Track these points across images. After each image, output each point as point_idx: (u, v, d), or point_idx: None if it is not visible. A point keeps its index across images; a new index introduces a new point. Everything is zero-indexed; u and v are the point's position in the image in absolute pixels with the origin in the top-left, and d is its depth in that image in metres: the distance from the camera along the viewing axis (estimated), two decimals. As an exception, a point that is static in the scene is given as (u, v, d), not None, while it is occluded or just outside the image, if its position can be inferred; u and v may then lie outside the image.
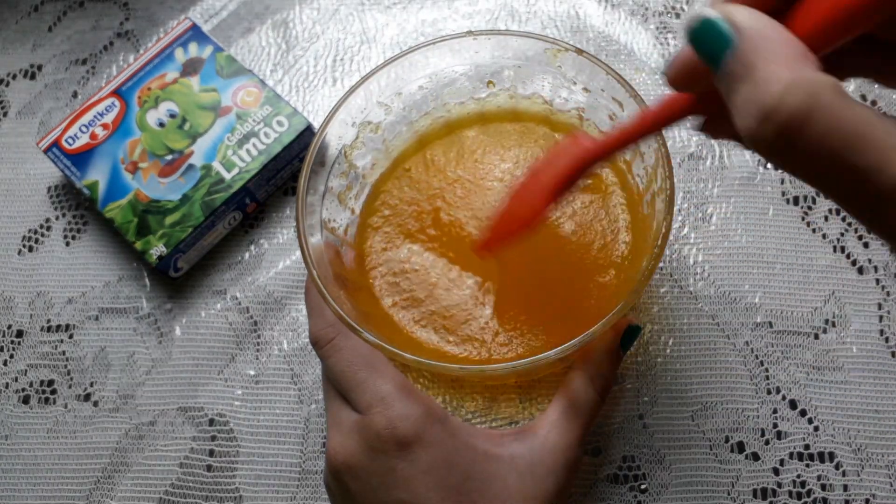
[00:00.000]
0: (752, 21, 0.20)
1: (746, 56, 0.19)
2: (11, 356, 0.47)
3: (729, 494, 0.41)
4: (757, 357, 0.43)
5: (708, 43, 0.20)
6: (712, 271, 0.45)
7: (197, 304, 0.47)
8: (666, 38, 0.51)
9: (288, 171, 0.49)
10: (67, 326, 0.48)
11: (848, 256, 0.45)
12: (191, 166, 0.47)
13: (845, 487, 0.41)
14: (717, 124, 0.25)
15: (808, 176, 0.19)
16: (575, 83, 0.41)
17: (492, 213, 0.37)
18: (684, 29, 0.21)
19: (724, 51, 0.20)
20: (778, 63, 0.19)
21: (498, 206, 0.36)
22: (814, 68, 0.19)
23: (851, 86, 0.49)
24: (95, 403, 0.46)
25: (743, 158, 0.47)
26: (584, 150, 0.32)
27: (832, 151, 0.18)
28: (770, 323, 0.44)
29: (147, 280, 0.48)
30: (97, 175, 0.47)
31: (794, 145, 0.18)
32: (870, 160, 0.18)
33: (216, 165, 0.47)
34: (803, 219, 0.46)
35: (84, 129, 0.48)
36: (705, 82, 0.21)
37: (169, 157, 0.47)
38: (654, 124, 0.29)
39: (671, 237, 0.46)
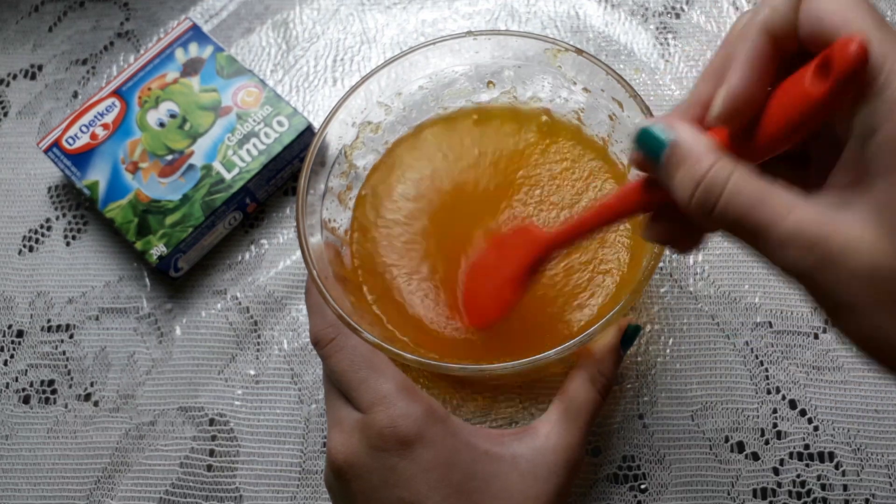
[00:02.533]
0: (681, 127, 0.27)
1: (682, 145, 0.26)
2: (12, 356, 0.47)
3: (729, 494, 0.41)
4: (757, 357, 0.43)
5: (651, 142, 0.27)
6: (712, 271, 0.45)
7: (197, 303, 0.47)
8: (666, 39, 0.51)
9: (288, 171, 0.49)
10: (68, 326, 0.48)
11: (848, 256, 0.45)
12: (191, 166, 0.47)
13: (845, 487, 0.41)
14: (660, 223, 0.30)
15: (729, 228, 0.25)
16: (575, 83, 0.41)
17: (461, 298, 0.39)
18: (632, 135, 0.28)
19: (662, 149, 0.26)
20: (702, 153, 0.26)
21: (463, 294, 0.38)
22: (728, 157, 0.25)
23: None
24: (96, 403, 0.46)
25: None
26: (544, 241, 0.34)
27: (742, 212, 0.24)
28: (770, 323, 0.44)
29: (147, 280, 0.48)
30: (97, 175, 0.47)
31: (715, 205, 0.25)
32: (766, 217, 0.24)
33: (216, 165, 0.47)
34: (803, 219, 0.46)
35: (84, 129, 0.48)
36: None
37: (169, 158, 0.47)
38: (611, 215, 0.31)
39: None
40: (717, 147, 0.26)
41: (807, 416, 0.42)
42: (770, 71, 0.26)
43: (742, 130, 0.26)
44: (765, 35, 0.25)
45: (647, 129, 0.27)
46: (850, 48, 0.23)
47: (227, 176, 0.47)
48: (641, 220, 0.31)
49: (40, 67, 0.55)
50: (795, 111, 0.25)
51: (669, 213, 0.28)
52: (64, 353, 0.47)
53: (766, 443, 0.42)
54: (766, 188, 0.24)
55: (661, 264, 0.44)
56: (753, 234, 0.25)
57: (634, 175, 0.40)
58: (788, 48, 0.26)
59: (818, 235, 0.23)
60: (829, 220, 0.24)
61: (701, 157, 0.25)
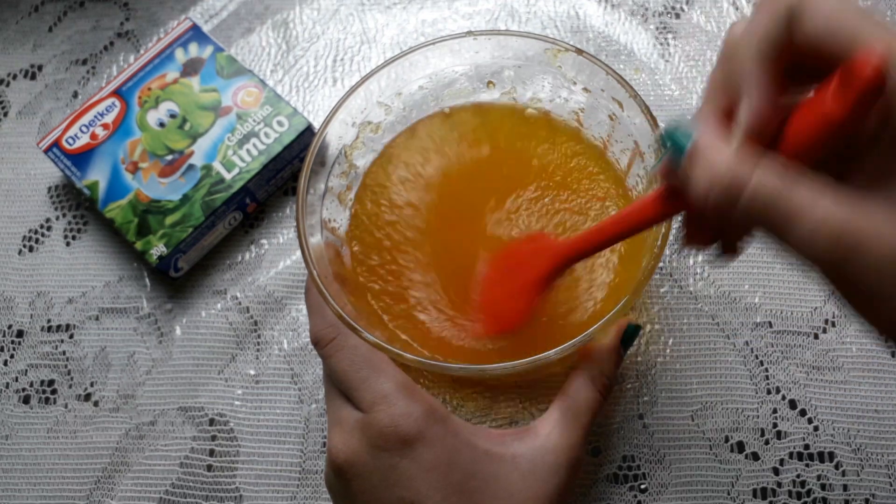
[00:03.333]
0: (706, 124, 0.27)
1: (703, 144, 0.26)
2: (12, 356, 0.47)
3: (729, 494, 0.41)
4: (757, 357, 0.43)
5: (676, 140, 0.27)
6: (712, 271, 0.45)
7: (197, 303, 0.47)
8: (666, 39, 0.51)
9: (288, 172, 0.49)
10: (68, 326, 0.48)
11: (848, 256, 0.45)
12: (191, 166, 0.47)
13: (845, 487, 0.41)
14: (697, 231, 0.31)
15: (754, 220, 0.25)
16: (575, 83, 0.41)
17: (477, 307, 0.39)
18: (662, 129, 0.28)
19: (687, 143, 0.26)
20: (725, 147, 0.26)
21: (480, 302, 0.38)
22: (751, 152, 0.25)
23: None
24: (96, 403, 0.46)
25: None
26: (561, 251, 0.34)
27: (764, 208, 0.24)
28: (770, 323, 0.44)
29: (147, 280, 0.48)
30: (97, 175, 0.47)
31: (736, 203, 0.25)
32: (794, 208, 0.24)
33: (216, 165, 0.47)
34: (803, 219, 0.46)
35: (84, 129, 0.48)
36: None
37: (169, 158, 0.47)
38: (630, 226, 0.32)
39: (671, 237, 0.46)
40: (737, 145, 0.26)
41: (807, 416, 0.42)
42: (779, 81, 0.26)
43: (764, 145, 0.26)
44: (766, 52, 0.26)
45: (675, 126, 0.27)
46: (870, 65, 0.22)
47: (227, 176, 0.47)
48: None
49: (40, 67, 0.55)
50: (819, 130, 0.25)
51: (702, 220, 0.29)
52: (64, 353, 0.47)
53: (766, 443, 0.42)
54: (792, 179, 0.24)
55: (661, 264, 0.44)
56: (780, 226, 0.24)
57: (635, 176, 0.40)
58: (790, 58, 0.26)
59: (845, 226, 0.23)
60: (857, 210, 0.24)
61: (724, 149, 0.25)
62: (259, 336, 0.46)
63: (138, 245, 0.46)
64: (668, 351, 0.44)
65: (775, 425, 0.42)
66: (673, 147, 0.27)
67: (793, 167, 0.25)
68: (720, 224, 0.28)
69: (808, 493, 0.41)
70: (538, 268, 0.36)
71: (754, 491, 0.41)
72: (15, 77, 0.55)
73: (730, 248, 0.31)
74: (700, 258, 0.45)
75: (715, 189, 0.25)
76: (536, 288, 0.36)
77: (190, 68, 0.50)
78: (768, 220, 0.25)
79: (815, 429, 0.42)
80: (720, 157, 0.25)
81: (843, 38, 0.24)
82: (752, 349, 0.43)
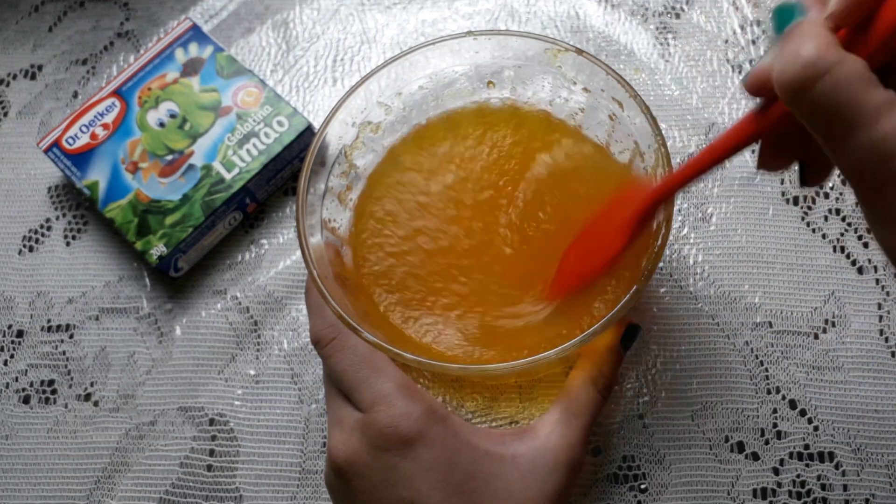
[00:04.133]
0: (814, 11, 0.26)
1: (804, 25, 0.25)
2: (12, 356, 0.47)
3: (729, 494, 0.41)
4: (757, 357, 0.43)
5: (784, 18, 0.26)
6: (712, 271, 0.45)
7: (197, 303, 0.47)
8: (666, 39, 0.51)
9: (288, 172, 0.49)
10: (68, 326, 0.48)
11: (848, 256, 0.45)
12: (191, 166, 0.47)
13: (845, 487, 0.41)
14: (774, 153, 0.31)
15: (815, 119, 0.25)
16: (575, 83, 0.41)
17: (565, 256, 0.38)
18: (775, 7, 0.27)
19: (792, 19, 0.26)
20: (821, 31, 0.25)
21: (570, 250, 0.38)
22: (840, 48, 0.25)
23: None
24: (96, 403, 0.46)
25: (743, 158, 0.47)
26: (655, 189, 0.33)
27: (836, 103, 0.24)
28: (770, 323, 0.44)
29: (147, 280, 0.48)
30: (97, 175, 0.47)
31: (812, 85, 0.24)
32: (861, 118, 0.24)
33: (216, 165, 0.47)
34: (803, 219, 0.46)
35: (84, 129, 0.48)
36: (772, 92, 0.27)
37: (169, 158, 0.47)
38: (721, 153, 0.31)
39: (671, 237, 0.46)
40: (833, 36, 0.25)
41: (807, 416, 0.42)
42: None
43: (855, 33, 0.26)
44: None
45: (785, 5, 0.27)
46: None
47: (227, 176, 0.47)
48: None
49: (40, 67, 0.55)
50: None
51: (784, 141, 0.29)
52: (64, 353, 0.47)
53: (766, 443, 0.42)
54: (868, 86, 0.24)
55: (660, 264, 0.44)
56: (844, 126, 0.24)
57: (638, 169, 0.40)
58: None
59: None
60: None
61: (815, 36, 0.25)
62: (259, 336, 0.46)
63: (138, 245, 0.46)
64: (667, 351, 0.44)
65: (775, 425, 0.42)
66: (780, 23, 0.27)
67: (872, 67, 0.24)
68: (791, 121, 0.27)
69: (808, 493, 0.41)
70: (633, 208, 0.34)
71: (754, 491, 0.41)
72: (15, 77, 0.55)
73: (810, 174, 0.30)
74: (700, 258, 0.45)
75: (796, 65, 0.24)
76: (630, 227, 0.35)
77: (190, 68, 0.50)
78: (836, 116, 0.24)
79: (815, 429, 0.42)
80: (810, 39, 0.25)
81: None
82: (752, 349, 0.43)
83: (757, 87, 0.28)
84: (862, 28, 0.26)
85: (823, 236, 0.45)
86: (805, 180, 0.31)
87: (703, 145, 0.48)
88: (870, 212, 0.26)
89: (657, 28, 0.51)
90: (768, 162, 0.31)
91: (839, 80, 0.24)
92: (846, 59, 0.24)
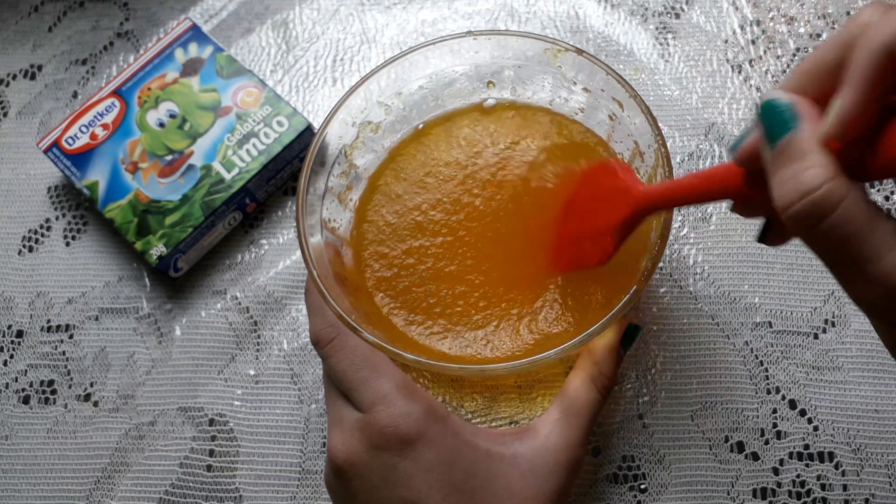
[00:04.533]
0: (807, 117, 0.25)
1: (801, 143, 0.24)
2: (11, 356, 0.47)
3: (728, 494, 0.41)
4: (756, 357, 0.43)
5: (775, 121, 0.25)
6: (712, 271, 0.45)
7: (197, 304, 0.47)
8: (665, 39, 0.51)
9: (288, 172, 0.49)
10: (67, 326, 0.48)
11: (847, 256, 0.45)
12: (191, 166, 0.47)
13: (845, 487, 0.41)
14: (747, 209, 0.31)
15: (822, 251, 0.25)
16: (575, 83, 0.41)
17: (557, 235, 0.39)
18: (759, 101, 0.26)
19: (784, 132, 0.25)
20: (819, 160, 0.24)
21: (559, 231, 0.38)
22: (843, 176, 0.24)
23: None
24: (95, 403, 0.46)
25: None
26: (644, 201, 0.33)
27: (844, 237, 0.24)
28: (770, 323, 0.44)
29: (147, 280, 0.48)
30: (97, 175, 0.47)
31: (818, 223, 0.24)
32: (867, 252, 0.23)
33: (216, 165, 0.47)
34: (803, 219, 0.46)
35: (84, 129, 0.48)
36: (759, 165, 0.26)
37: (169, 158, 0.47)
38: (707, 194, 0.31)
39: (671, 237, 0.46)
40: (833, 160, 0.24)
41: (806, 416, 0.42)
42: (886, 90, 0.24)
43: (848, 147, 0.25)
44: (889, 56, 0.23)
45: (775, 104, 0.25)
46: None
47: (227, 176, 0.47)
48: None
49: (40, 67, 0.55)
50: None
51: (759, 201, 0.28)
52: (64, 353, 0.47)
53: (766, 443, 0.42)
54: (874, 220, 0.23)
55: (660, 264, 0.44)
56: (846, 264, 0.24)
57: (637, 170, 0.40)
58: None
59: None
60: None
61: (816, 164, 0.24)
62: (259, 336, 0.46)
63: (138, 245, 0.46)
64: (667, 351, 0.44)
65: (775, 425, 0.42)
66: (769, 126, 0.25)
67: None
68: (795, 234, 0.27)
69: (808, 493, 0.41)
70: (620, 213, 0.34)
71: (754, 491, 0.41)
72: (15, 77, 0.55)
73: (773, 235, 0.30)
74: (700, 258, 0.45)
75: (803, 202, 0.24)
76: (619, 232, 0.35)
77: (190, 68, 0.50)
78: (835, 254, 0.24)
79: (815, 429, 0.42)
80: (815, 167, 0.24)
81: None
82: (751, 349, 0.43)
83: (747, 162, 0.27)
84: (857, 147, 0.25)
85: (823, 236, 0.45)
86: (764, 238, 0.31)
87: (703, 145, 0.48)
88: (889, 341, 0.26)
89: (657, 28, 0.51)
90: (740, 211, 0.31)
91: (846, 218, 0.23)
92: (850, 191, 0.23)
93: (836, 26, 0.50)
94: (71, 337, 0.47)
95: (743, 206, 0.30)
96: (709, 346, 0.44)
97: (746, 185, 0.28)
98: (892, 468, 0.41)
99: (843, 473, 0.41)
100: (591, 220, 0.36)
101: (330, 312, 0.35)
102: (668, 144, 0.48)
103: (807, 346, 0.43)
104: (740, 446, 0.42)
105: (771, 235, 0.31)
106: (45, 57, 0.55)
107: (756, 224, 0.45)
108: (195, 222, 0.46)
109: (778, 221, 0.30)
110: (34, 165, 0.52)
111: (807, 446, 0.42)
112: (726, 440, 0.42)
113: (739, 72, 0.49)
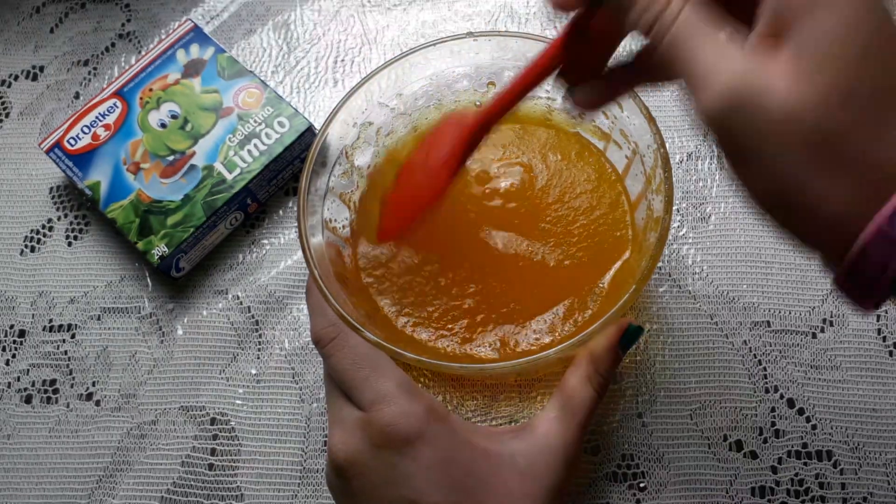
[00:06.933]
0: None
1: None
2: (14, 356, 0.48)
3: (727, 493, 0.41)
4: (755, 356, 0.43)
5: None
6: (710, 271, 0.45)
7: (199, 303, 0.48)
8: (665, 40, 0.51)
9: (289, 172, 0.49)
10: (69, 326, 0.48)
11: (845, 256, 0.45)
12: (192, 167, 0.47)
13: (843, 486, 0.41)
14: (578, 72, 0.32)
15: (669, 65, 0.26)
16: (574, 84, 0.41)
17: (388, 200, 0.39)
18: None
19: None
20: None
21: (393, 192, 0.38)
22: None
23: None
24: (97, 403, 0.46)
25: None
26: (470, 123, 0.34)
27: (682, 51, 0.25)
28: (768, 322, 0.44)
29: (149, 280, 0.48)
30: (99, 176, 0.48)
31: (661, 40, 0.26)
32: (702, 64, 0.25)
33: (218, 166, 0.47)
34: (801, 219, 0.46)
35: (86, 129, 0.49)
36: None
37: (171, 158, 0.48)
38: (527, 82, 0.32)
39: (669, 237, 0.46)
40: None
41: (805, 415, 0.42)
42: None
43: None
44: None
45: None
46: None
47: (229, 176, 0.47)
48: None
49: (42, 68, 0.55)
50: None
51: (582, 68, 0.31)
52: (66, 352, 0.47)
53: (765, 441, 0.42)
54: (709, 31, 0.25)
55: (659, 264, 0.44)
56: (688, 75, 0.25)
57: (633, 175, 0.41)
58: None
59: (741, 81, 0.24)
60: (754, 65, 0.24)
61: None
62: (260, 336, 0.47)
63: (140, 245, 0.46)
64: (666, 350, 0.44)
65: (773, 424, 0.42)
66: None
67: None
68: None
69: (807, 491, 0.41)
70: (452, 144, 0.34)
71: (752, 489, 0.41)
72: (16, 78, 0.55)
73: (591, 100, 0.32)
74: (699, 258, 0.46)
75: (648, 14, 0.26)
76: (451, 164, 0.34)
77: (191, 69, 0.50)
78: (678, 68, 0.25)
79: (814, 427, 0.42)
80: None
81: None
82: (750, 348, 0.44)
83: (566, 7, 0.29)
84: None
85: (821, 236, 0.46)
86: (571, 95, 0.32)
87: (703, 146, 0.48)
88: (730, 161, 0.26)
89: (656, 29, 0.51)
90: (565, 78, 0.32)
91: (679, 30, 0.25)
92: (686, 9, 0.25)
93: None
94: (73, 336, 0.48)
95: (567, 72, 0.32)
96: (707, 345, 0.44)
97: (567, 47, 0.31)
98: (890, 467, 0.41)
99: (842, 472, 0.41)
100: (424, 170, 0.36)
101: (331, 312, 0.35)
102: (668, 145, 0.48)
103: (805, 345, 0.44)
104: (739, 445, 0.42)
105: (577, 92, 0.32)
106: (47, 58, 0.55)
107: (756, 224, 0.46)
108: (197, 222, 0.46)
109: (586, 73, 0.32)
110: (36, 166, 0.52)
111: (805, 445, 0.42)
112: (725, 439, 0.42)
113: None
